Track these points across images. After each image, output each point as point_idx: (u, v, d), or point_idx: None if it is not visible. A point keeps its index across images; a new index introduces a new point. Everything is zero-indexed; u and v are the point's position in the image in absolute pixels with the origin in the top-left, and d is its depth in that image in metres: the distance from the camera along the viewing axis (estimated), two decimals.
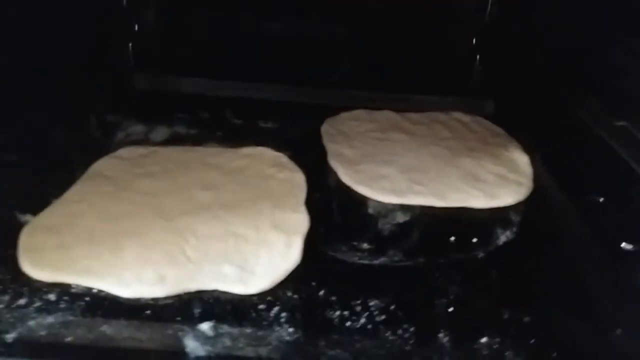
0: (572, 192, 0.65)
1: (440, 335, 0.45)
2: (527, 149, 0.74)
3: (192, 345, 0.42)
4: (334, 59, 0.92)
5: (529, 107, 0.80)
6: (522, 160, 0.72)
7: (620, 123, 0.58)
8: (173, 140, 0.75)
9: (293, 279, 0.51)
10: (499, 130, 0.81)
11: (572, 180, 0.66)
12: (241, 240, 0.54)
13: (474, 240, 0.58)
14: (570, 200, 0.64)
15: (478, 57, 0.93)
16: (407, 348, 0.44)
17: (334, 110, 0.83)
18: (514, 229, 0.60)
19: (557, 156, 0.70)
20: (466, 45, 0.94)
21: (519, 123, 0.79)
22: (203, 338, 0.43)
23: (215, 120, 0.81)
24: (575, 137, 0.68)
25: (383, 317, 0.47)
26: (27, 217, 0.57)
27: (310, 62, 0.91)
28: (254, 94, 0.87)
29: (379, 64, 0.93)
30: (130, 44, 0.93)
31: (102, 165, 0.66)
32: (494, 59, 0.91)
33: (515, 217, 0.62)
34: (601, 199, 0.61)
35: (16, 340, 0.42)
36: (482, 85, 0.92)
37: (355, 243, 0.57)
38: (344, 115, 0.83)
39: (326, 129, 0.79)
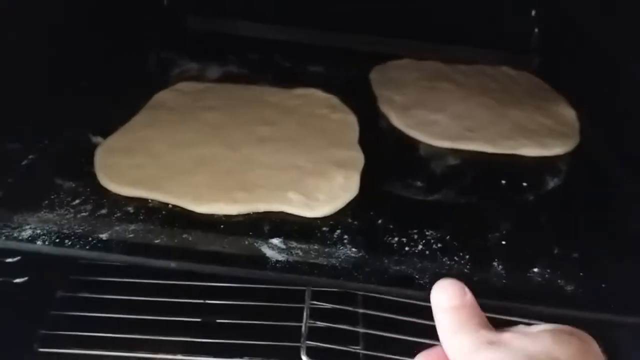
0: (620, 150, 0.65)
1: (494, 263, 0.48)
2: (575, 105, 0.74)
3: (269, 252, 0.46)
4: (382, 7, 0.92)
5: (580, 64, 0.80)
6: (570, 114, 0.73)
7: None
8: (226, 79, 0.77)
9: (352, 209, 0.53)
10: (546, 85, 0.81)
11: (621, 138, 0.66)
12: (302, 171, 0.57)
13: (524, 184, 0.60)
14: (617, 157, 0.65)
15: (533, 11, 0.91)
16: (466, 271, 0.47)
17: (381, 58, 0.83)
18: (562, 177, 0.62)
19: (607, 114, 0.70)
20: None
21: (569, 79, 0.79)
22: (277, 249, 0.47)
23: (265, 62, 0.82)
24: (628, 97, 0.68)
25: (440, 245, 0.50)
26: (99, 139, 0.60)
27: (358, 8, 0.91)
28: (302, 39, 0.88)
29: (426, 13, 0.92)
30: None
31: (163, 96, 0.69)
32: (545, 12, 0.90)
33: (563, 166, 0.64)
34: None
35: (110, 239, 0.45)
36: (530, 40, 0.91)
37: (409, 180, 0.59)
38: (392, 63, 0.84)
39: (375, 76, 0.80)
